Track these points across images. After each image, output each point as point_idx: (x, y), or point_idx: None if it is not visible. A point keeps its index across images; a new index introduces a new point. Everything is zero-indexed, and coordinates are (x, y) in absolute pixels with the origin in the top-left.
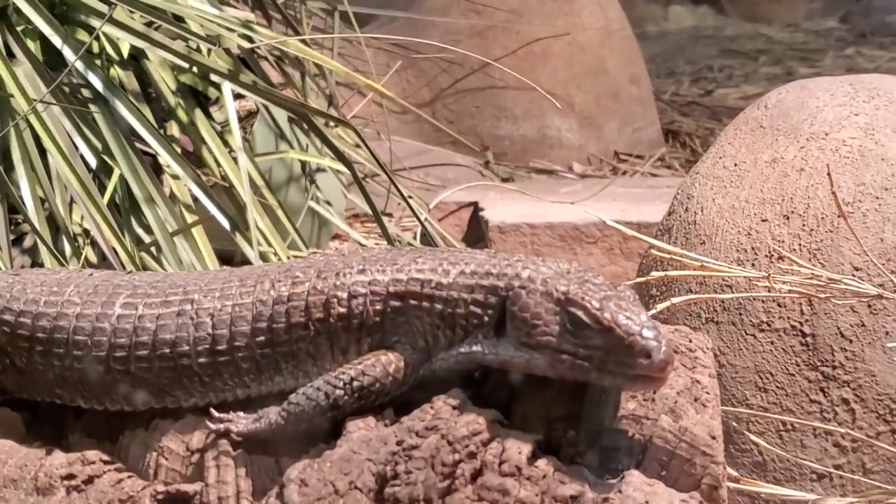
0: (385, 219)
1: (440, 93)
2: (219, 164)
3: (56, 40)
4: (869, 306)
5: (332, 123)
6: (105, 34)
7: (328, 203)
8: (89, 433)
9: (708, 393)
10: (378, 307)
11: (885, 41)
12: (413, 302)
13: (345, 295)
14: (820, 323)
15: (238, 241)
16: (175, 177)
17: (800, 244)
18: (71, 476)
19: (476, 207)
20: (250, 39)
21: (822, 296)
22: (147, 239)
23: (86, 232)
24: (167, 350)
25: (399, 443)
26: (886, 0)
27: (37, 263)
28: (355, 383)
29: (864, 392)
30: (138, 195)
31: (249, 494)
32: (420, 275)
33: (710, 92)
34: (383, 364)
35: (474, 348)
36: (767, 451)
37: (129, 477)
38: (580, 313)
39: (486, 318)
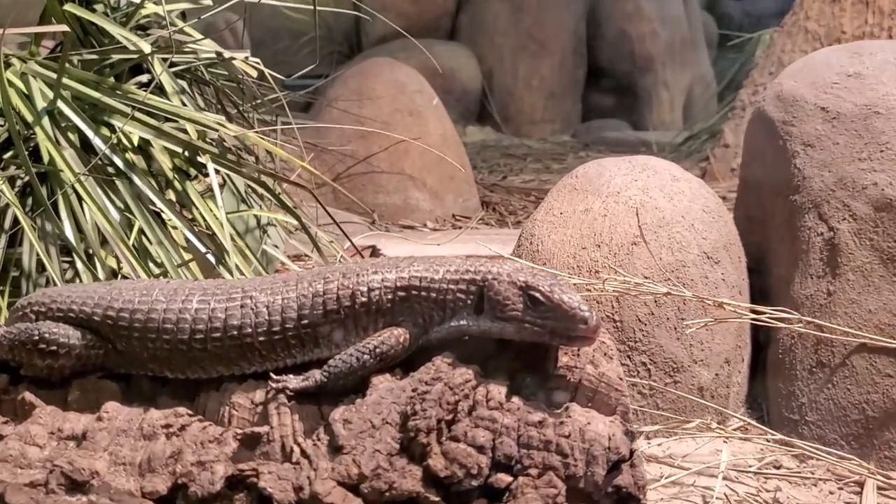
0: (314, 256)
1: (337, 175)
2: (204, 219)
3: (89, 133)
4: (655, 301)
5: (278, 190)
6: (122, 130)
7: (275, 246)
8: (173, 396)
9: (611, 349)
10: (389, 297)
11: (601, 147)
12: (414, 292)
13: (365, 289)
14: (624, 313)
15: (221, 270)
16: (174, 227)
17: (608, 263)
18: (168, 425)
19: (374, 248)
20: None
21: (634, 293)
22: (157, 270)
23: (111, 268)
24: (235, 332)
25: (414, 390)
26: (602, 122)
27: None
28: (377, 350)
29: (655, 357)
30: (151, 238)
31: (302, 433)
32: (418, 273)
33: (504, 177)
34: (395, 336)
35: (461, 323)
36: None
37: (211, 425)
38: (537, 294)
39: (468, 301)
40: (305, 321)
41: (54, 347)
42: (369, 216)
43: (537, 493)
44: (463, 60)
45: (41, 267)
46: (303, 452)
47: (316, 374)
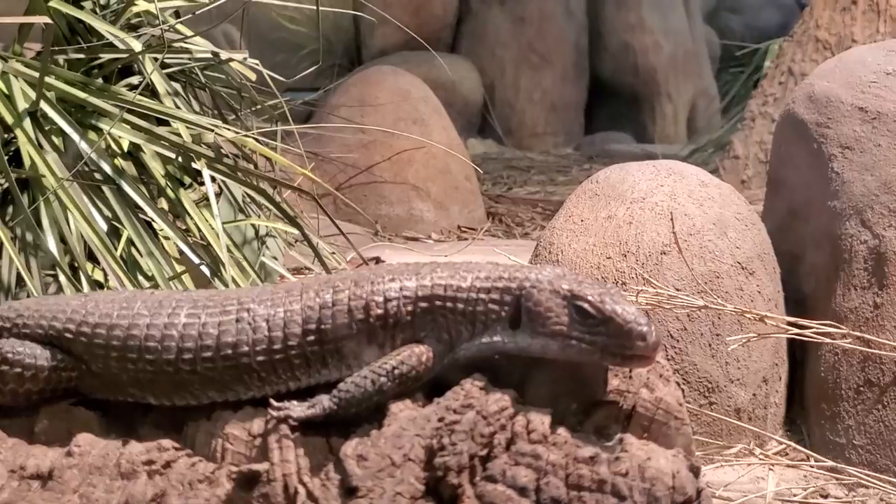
0: (316, 268)
1: (339, 185)
2: (199, 229)
3: (75, 136)
4: (688, 315)
5: (278, 199)
6: (110, 134)
7: (274, 258)
8: (157, 426)
9: (667, 371)
10: (409, 308)
11: (605, 160)
12: (438, 303)
13: (381, 299)
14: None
15: (216, 284)
16: (166, 237)
17: (636, 274)
18: (150, 462)
19: (378, 259)
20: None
21: (668, 306)
22: (147, 284)
23: (97, 280)
24: (229, 351)
25: (441, 419)
26: (605, 135)
27: None
28: (396, 371)
29: (689, 377)
30: (141, 250)
31: (308, 470)
32: (442, 281)
33: (509, 189)
34: (417, 355)
35: (495, 339)
36: None
37: (200, 461)
38: (585, 306)
39: (503, 314)
40: (312, 337)
41: (19, 369)
42: (372, 227)
43: None
44: (464, 73)
45: (21, 281)
46: (309, 494)
47: (324, 401)
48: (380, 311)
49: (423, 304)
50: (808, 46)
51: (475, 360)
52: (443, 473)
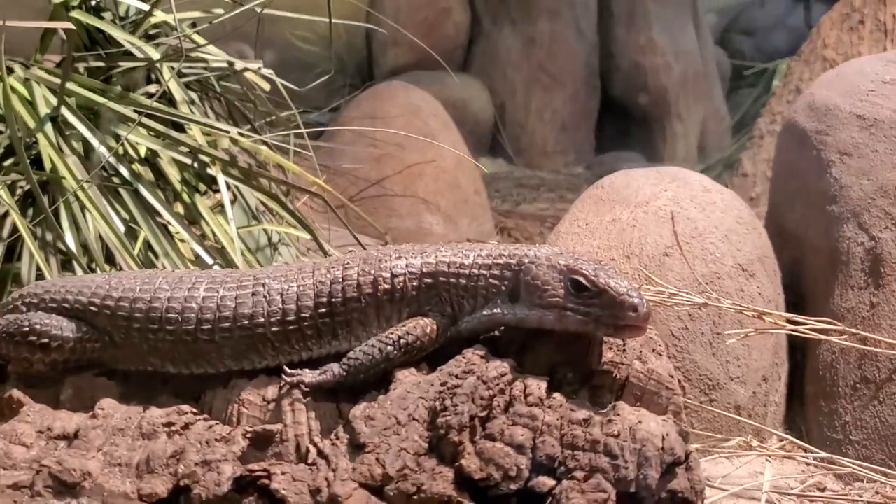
0: None
1: (350, 198)
2: (213, 233)
3: (94, 141)
4: (689, 315)
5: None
6: (127, 139)
7: (287, 265)
8: (175, 394)
9: (660, 345)
10: (415, 284)
11: None
12: (442, 279)
13: (388, 275)
14: (657, 327)
15: None
16: (182, 240)
17: (639, 275)
18: (170, 423)
19: None
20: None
21: (669, 303)
22: None
23: None
24: (246, 322)
25: (443, 384)
26: (616, 154)
27: None
28: (402, 341)
29: (690, 374)
30: (158, 251)
31: (318, 432)
32: (446, 258)
33: (519, 205)
34: (422, 327)
35: (495, 311)
36: None
37: (217, 423)
38: (581, 279)
39: (503, 288)
40: (323, 310)
41: (46, 340)
42: (382, 239)
43: (584, 498)
44: (475, 92)
45: (41, 278)
46: (320, 453)
47: (334, 368)
48: (387, 287)
49: (428, 280)
50: (816, 65)
51: (477, 331)
52: (445, 432)
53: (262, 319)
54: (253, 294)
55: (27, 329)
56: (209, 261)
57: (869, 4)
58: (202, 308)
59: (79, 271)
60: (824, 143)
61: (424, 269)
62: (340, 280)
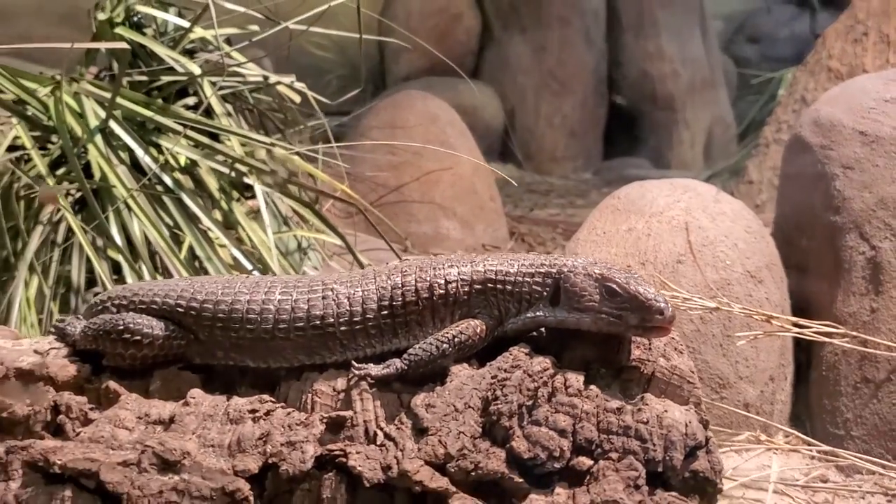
0: None
1: (370, 203)
2: (250, 238)
3: (139, 151)
4: (701, 318)
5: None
6: (169, 150)
7: (315, 268)
8: (252, 385)
9: (681, 345)
10: (466, 289)
11: (623, 185)
12: (490, 285)
13: (443, 281)
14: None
15: None
16: (222, 245)
17: (654, 280)
18: (254, 411)
19: None
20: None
21: (683, 307)
22: None
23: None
24: (318, 322)
25: (494, 377)
26: (623, 160)
27: None
28: (455, 339)
29: (702, 374)
30: (201, 255)
31: (383, 419)
32: (493, 267)
33: (531, 210)
34: (472, 327)
35: (538, 314)
36: None
37: (294, 411)
38: (614, 286)
39: (544, 293)
40: (385, 312)
41: (138, 337)
42: (402, 243)
43: (618, 476)
44: (486, 98)
45: (89, 283)
46: (387, 435)
47: (397, 363)
48: (441, 292)
49: (478, 286)
50: (821, 75)
51: (521, 332)
52: (496, 418)
53: (332, 320)
54: (323, 297)
55: (122, 327)
56: (248, 266)
57: (873, 17)
58: (279, 310)
59: (128, 274)
60: (828, 158)
61: (474, 277)
62: (400, 286)
